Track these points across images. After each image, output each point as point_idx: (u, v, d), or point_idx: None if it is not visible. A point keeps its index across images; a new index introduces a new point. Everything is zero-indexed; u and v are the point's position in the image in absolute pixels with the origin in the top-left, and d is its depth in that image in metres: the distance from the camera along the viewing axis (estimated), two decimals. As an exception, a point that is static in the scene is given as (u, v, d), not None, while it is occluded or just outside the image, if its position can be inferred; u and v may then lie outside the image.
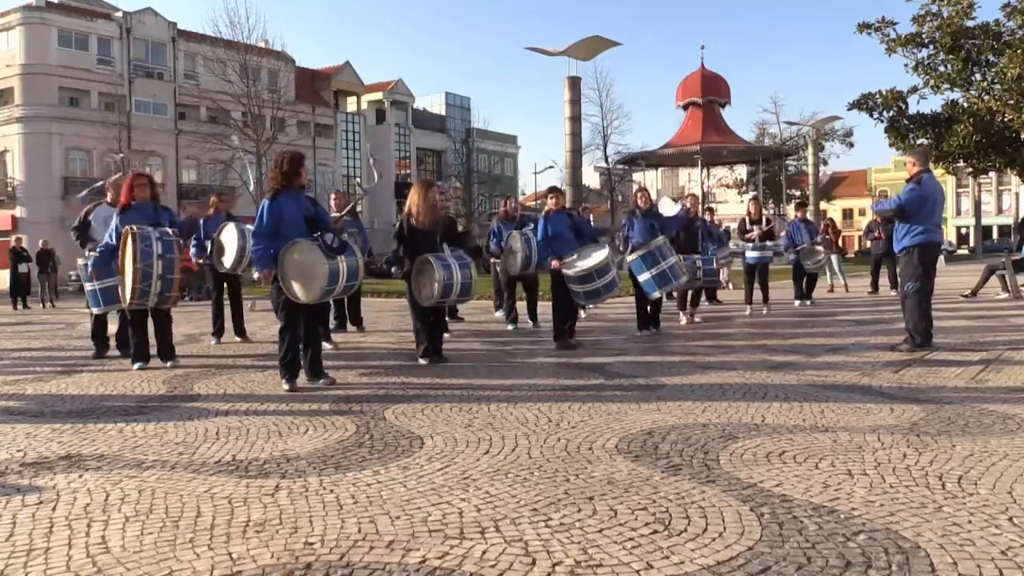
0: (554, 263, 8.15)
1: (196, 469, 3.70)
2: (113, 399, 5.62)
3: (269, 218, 5.84)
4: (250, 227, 7.42)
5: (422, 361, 7.12)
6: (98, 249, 7.27)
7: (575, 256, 8.23)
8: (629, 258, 8.90)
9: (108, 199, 8.14)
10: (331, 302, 8.04)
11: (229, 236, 8.68)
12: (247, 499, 3.22)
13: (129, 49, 40.66)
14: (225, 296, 9.43)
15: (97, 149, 38.17)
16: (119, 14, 41.26)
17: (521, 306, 10.56)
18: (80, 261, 8.01)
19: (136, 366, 7.07)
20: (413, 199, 7.31)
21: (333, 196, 10.27)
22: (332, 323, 9.17)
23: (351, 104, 53.71)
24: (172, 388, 6.02)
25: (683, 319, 10.49)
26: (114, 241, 6.94)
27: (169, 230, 7.03)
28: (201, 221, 9.26)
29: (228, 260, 8.67)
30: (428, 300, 7.11)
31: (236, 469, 3.69)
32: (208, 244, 8.94)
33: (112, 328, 8.11)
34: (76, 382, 6.42)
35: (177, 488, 3.40)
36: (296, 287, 5.80)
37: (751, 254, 11.97)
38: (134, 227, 6.75)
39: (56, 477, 3.61)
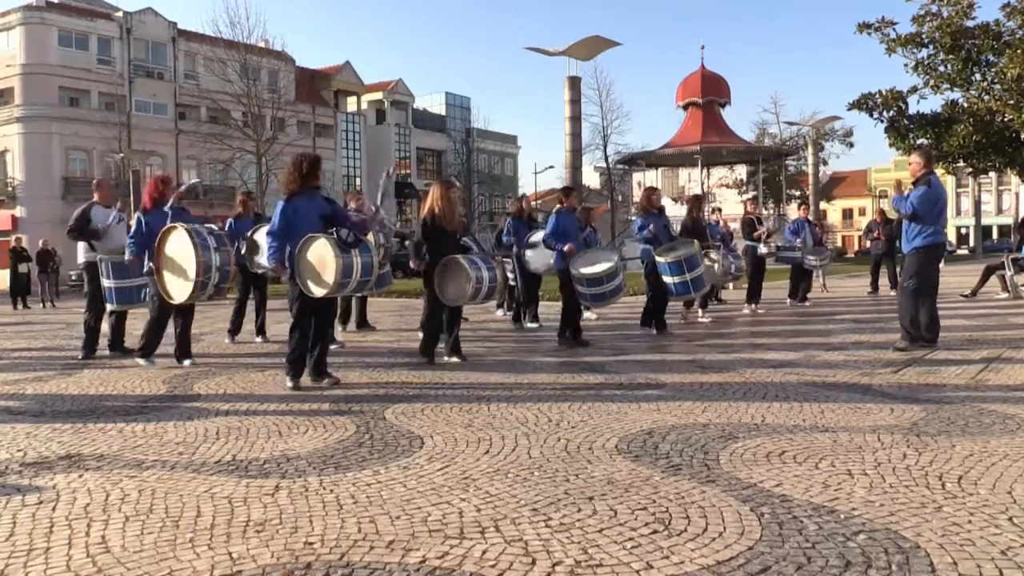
0: (568, 247, 8.12)
1: (196, 469, 3.70)
2: (113, 399, 5.62)
3: (282, 219, 5.90)
4: None
5: (423, 358, 7.12)
6: (131, 249, 7.11)
7: (582, 258, 8.24)
8: (659, 259, 8.86)
9: (96, 199, 8.09)
10: (338, 301, 8.06)
11: (263, 236, 8.64)
12: (247, 499, 3.23)
13: (129, 49, 40.67)
14: (250, 296, 9.37)
15: (97, 149, 38.20)
16: (119, 14, 41.28)
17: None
18: (97, 256, 7.89)
19: (145, 363, 7.11)
20: (435, 196, 7.23)
21: (354, 202, 10.32)
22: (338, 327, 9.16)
23: (351, 104, 53.71)
24: (172, 388, 6.02)
25: (702, 317, 10.61)
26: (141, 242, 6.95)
27: (214, 226, 7.21)
28: (230, 221, 9.34)
29: (263, 260, 8.62)
30: (453, 301, 7.12)
31: (236, 469, 3.69)
32: (239, 244, 8.87)
33: (104, 327, 8.11)
34: (76, 382, 6.42)
35: (177, 488, 3.40)
36: (311, 283, 5.83)
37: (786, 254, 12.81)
38: (182, 224, 6.71)
39: (56, 477, 3.61)
